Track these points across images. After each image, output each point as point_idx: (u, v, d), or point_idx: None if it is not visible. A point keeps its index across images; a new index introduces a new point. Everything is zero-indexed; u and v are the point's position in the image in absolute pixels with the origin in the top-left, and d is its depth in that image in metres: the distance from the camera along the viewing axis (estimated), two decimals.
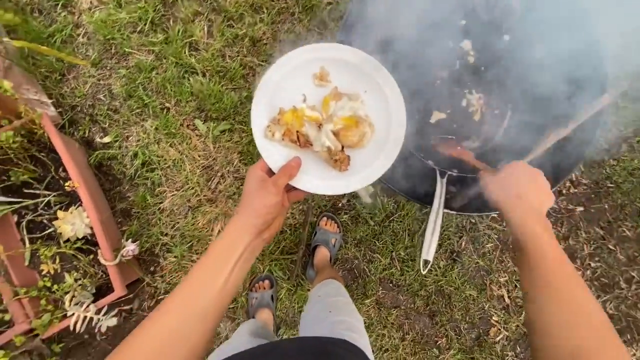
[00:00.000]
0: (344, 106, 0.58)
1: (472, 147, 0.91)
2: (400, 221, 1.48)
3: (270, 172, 0.56)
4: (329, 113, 0.59)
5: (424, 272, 0.70)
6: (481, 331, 1.47)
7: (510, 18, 0.89)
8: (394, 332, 1.43)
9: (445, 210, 0.75)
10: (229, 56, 1.50)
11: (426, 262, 0.69)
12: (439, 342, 1.45)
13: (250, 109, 0.59)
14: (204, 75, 1.49)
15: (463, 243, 1.49)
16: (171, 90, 1.46)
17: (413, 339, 1.44)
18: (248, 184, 0.52)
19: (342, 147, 0.58)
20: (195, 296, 0.43)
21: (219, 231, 1.43)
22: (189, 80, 1.47)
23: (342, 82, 0.60)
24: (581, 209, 1.53)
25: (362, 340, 0.73)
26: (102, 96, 1.47)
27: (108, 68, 1.48)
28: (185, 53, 1.47)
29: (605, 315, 0.42)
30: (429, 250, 0.69)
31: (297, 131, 0.58)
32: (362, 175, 0.57)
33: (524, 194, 0.53)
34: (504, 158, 0.80)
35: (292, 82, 0.60)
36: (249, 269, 0.49)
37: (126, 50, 1.46)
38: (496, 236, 1.51)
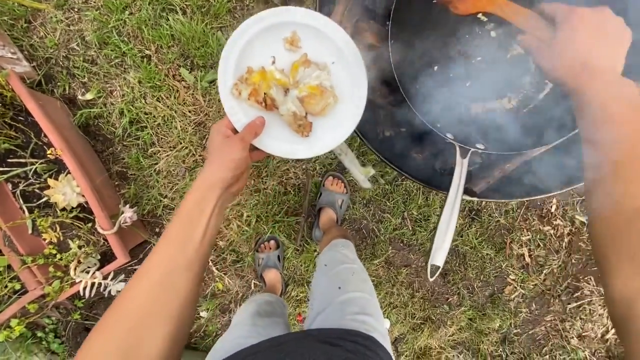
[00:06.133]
0: (311, 74, 0.58)
1: (504, 110, 0.70)
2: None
3: (234, 131, 0.56)
4: (297, 79, 0.59)
5: (431, 279, 0.59)
6: (495, 289, 1.41)
7: None
8: (404, 289, 1.41)
9: (464, 197, 0.60)
10: None
11: (434, 267, 0.56)
12: (450, 299, 1.42)
13: None
14: (184, 13, 1.26)
15: (484, 201, 1.35)
16: (149, 34, 1.26)
17: (423, 296, 1.42)
18: (214, 139, 0.52)
19: (306, 114, 0.59)
20: (177, 252, 0.43)
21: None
22: (167, 20, 1.25)
23: (312, 50, 0.59)
24: None
25: (375, 321, 0.69)
26: (75, 45, 1.30)
27: (75, 10, 1.28)
28: None
29: None
30: (439, 252, 0.56)
31: (265, 93, 0.57)
32: (322, 143, 0.59)
33: (589, 58, 0.41)
34: (548, 125, 0.60)
35: (262, 42, 0.59)
36: (222, 222, 0.51)
37: None
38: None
